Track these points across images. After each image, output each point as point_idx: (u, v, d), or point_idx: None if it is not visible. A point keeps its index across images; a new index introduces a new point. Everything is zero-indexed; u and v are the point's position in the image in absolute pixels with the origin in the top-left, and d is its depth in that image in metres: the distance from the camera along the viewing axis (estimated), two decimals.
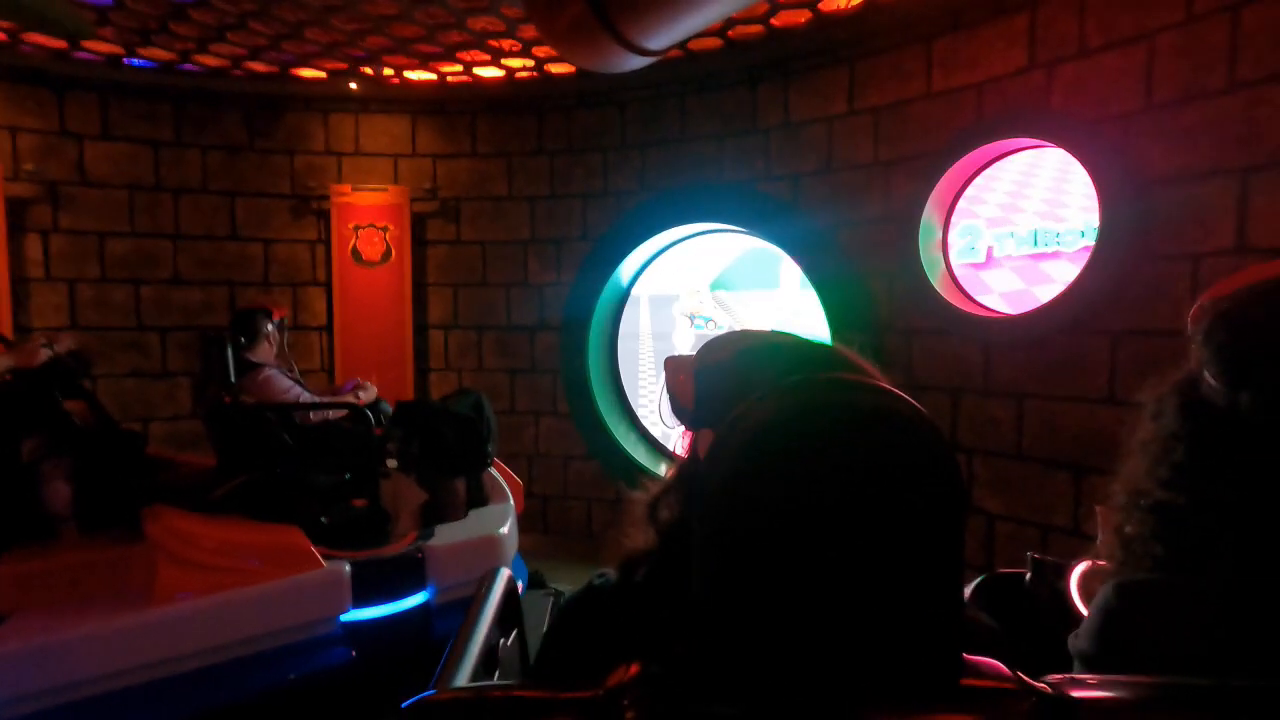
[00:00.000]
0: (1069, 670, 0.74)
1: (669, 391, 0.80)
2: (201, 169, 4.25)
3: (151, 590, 2.22)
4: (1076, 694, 0.52)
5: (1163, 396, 0.71)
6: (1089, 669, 0.73)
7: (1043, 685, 0.52)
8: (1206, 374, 0.68)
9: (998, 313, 3.08)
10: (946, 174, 3.14)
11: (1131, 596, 0.72)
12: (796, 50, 3.60)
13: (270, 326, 3.06)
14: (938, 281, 3.20)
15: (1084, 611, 0.95)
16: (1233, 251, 2.32)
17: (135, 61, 3.92)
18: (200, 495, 2.60)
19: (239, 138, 4.30)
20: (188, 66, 4.00)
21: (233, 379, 2.77)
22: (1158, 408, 0.71)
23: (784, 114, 3.73)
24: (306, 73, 4.15)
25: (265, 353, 3.05)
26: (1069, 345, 2.75)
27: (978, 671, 0.51)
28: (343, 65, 4.04)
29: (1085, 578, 1.03)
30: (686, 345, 4.47)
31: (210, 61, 3.97)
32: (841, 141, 3.53)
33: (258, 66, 4.05)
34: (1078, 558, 1.07)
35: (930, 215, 3.22)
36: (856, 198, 3.48)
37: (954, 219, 3.27)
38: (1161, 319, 2.47)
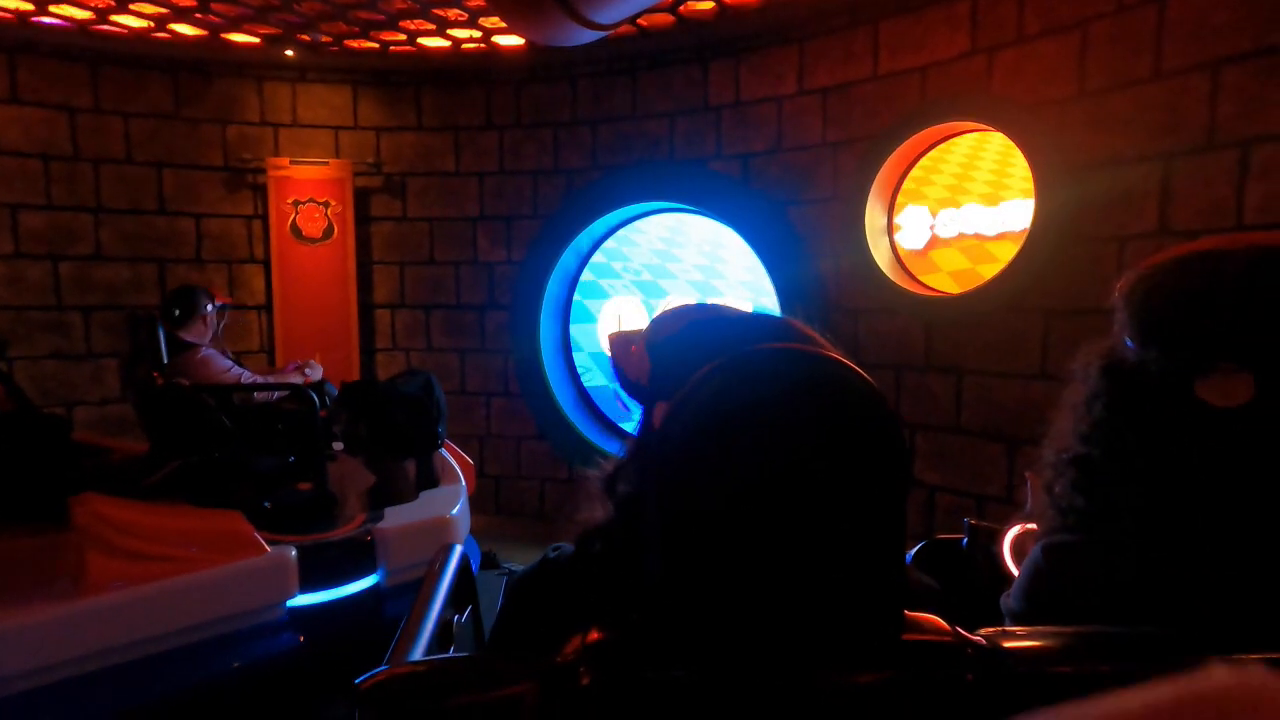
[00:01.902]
0: (1002, 627, 0.78)
1: (618, 366, 0.80)
2: (124, 138, 4.00)
3: (81, 581, 2.12)
4: (1007, 644, 0.55)
5: (1089, 361, 0.75)
6: (1018, 625, 0.77)
7: (978, 638, 0.55)
8: (1124, 335, 0.72)
9: (939, 292, 3.19)
10: (892, 155, 3.21)
11: (1056, 557, 0.76)
12: (747, 29, 3.60)
13: (210, 308, 2.93)
14: (883, 261, 3.29)
15: (1015, 572, 1.01)
16: (1156, 234, 2.45)
17: (47, 20, 3.64)
18: (132, 481, 2.49)
19: (165, 105, 4.06)
20: (106, 27, 3.74)
21: (165, 359, 2.65)
22: (1084, 372, 0.76)
23: (735, 93, 3.74)
24: (238, 38, 3.94)
25: (200, 333, 2.93)
26: (1005, 323, 2.87)
27: (919, 627, 0.54)
28: (277, 31, 3.85)
29: (1017, 541, 1.09)
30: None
31: (131, 22, 3.72)
32: (791, 122, 3.56)
33: (184, 29, 3.82)
34: (1010, 523, 1.13)
35: (876, 196, 3.30)
36: (806, 178, 3.53)
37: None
38: (1091, 298, 2.60)
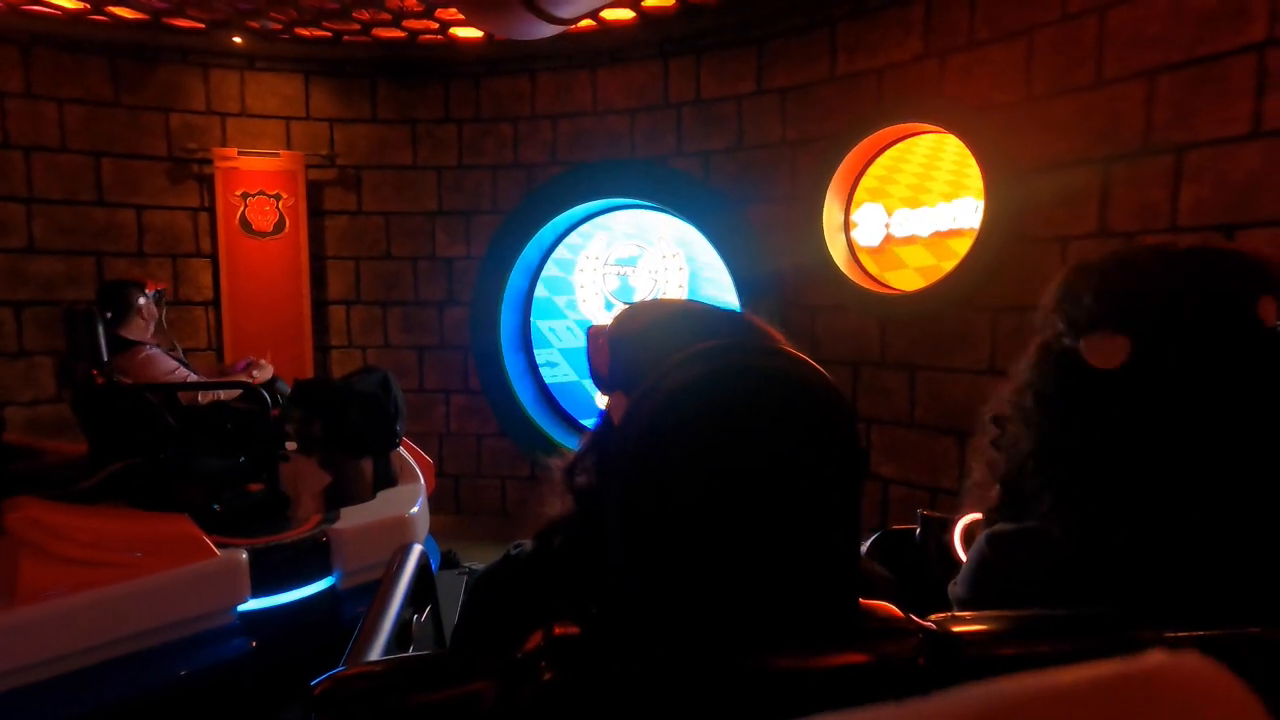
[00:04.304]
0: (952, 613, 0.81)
1: (590, 360, 0.80)
2: (59, 125, 3.81)
3: (14, 590, 2.02)
4: (957, 629, 0.57)
5: (1028, 350, 0.80)
6: (966, 611, 0.80)
7: (929, 623, 0.57)
8: (1056, 321, 0.77)
9: (894, 290, 3.27)
10: (848, 155, 3.27)
11: (1000, 546, 0.80)
12: (708, 27, 3.62)
13: (142, 300, 2.80)
14: (839, 259, 3.35)
15: (965, 561, 1.04)
16: (1096, 235, 2.55)
17: None
18: (70, 484, 2.38)
19: (103, 91, 3.88)
20: (38, 8, 3.56)
21: (105, 357, 2.53)
22: (1024, 362, 0.80)
23: (695, 91, 3.76)
24: (182, 22, 3.79)
25: (141, 329, 2.81)
26: (955, 320, 2.96)
27: (873, 614, 0.56)
28: (223, 16, 3.71)
29: (966, 531, 1.13)
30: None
31: (66, 2, 3.55)
32: (751, 120, 3.60)
33: (124, 12, 3.66)
34: (960, 513, 1.17)
35: (834, 194, 3.35)
36: (765, 176, 3.57)
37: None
38: (1035, 296, 2.69)
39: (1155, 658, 0.27)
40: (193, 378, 2.86)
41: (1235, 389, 0.65)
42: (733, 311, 0.77)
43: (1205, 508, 0.67)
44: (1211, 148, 2.28)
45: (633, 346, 0.74)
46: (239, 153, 4.04)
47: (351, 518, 2.74)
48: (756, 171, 3.60)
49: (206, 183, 4.08)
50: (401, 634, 0.81)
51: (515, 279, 4.29)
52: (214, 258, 4.12)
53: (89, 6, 3.58)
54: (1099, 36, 2.51)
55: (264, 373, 3.07)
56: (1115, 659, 0.28)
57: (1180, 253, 0.72)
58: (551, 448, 4.11)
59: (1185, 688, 0.26)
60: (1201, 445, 0.66)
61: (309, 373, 4.12)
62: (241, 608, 2.40)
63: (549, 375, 4.53)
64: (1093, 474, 0.72)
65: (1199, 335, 0.66)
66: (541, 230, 4.22)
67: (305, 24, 3.81)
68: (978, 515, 1.10)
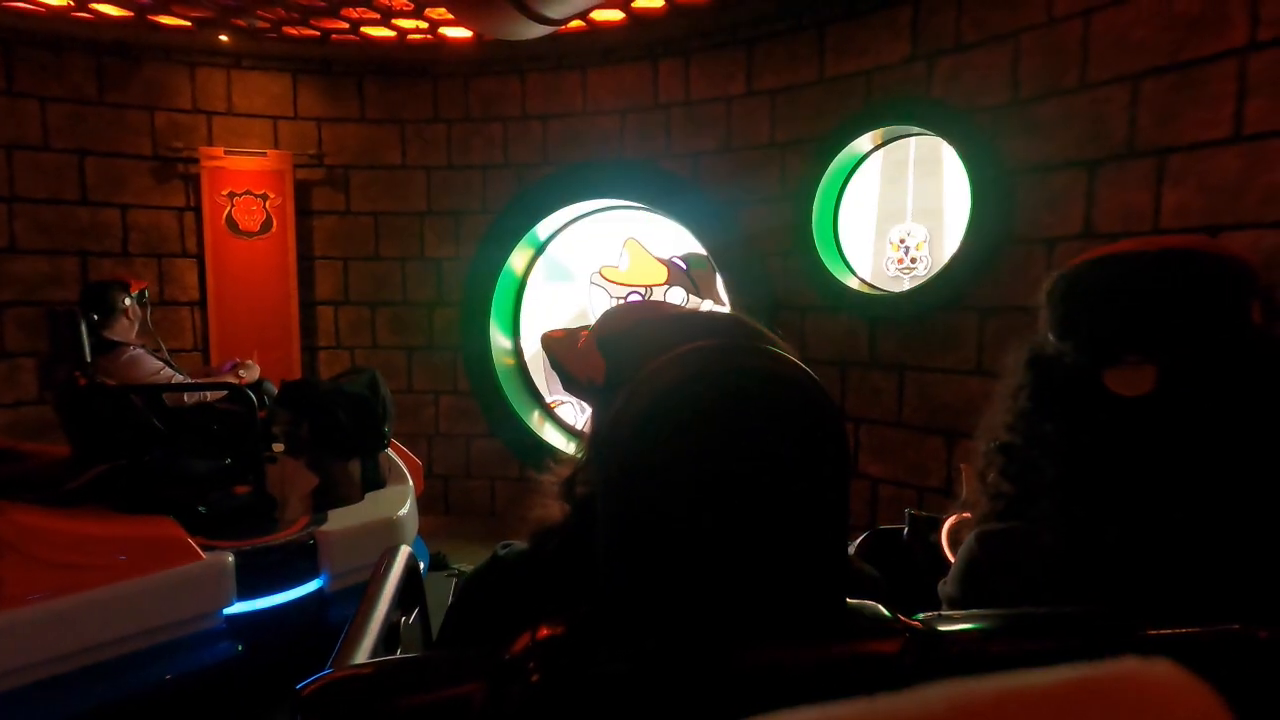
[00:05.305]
0: (939, 611, 0.82)
1: (559, 365, 0.80)
2: (41, 123, 3.76)
3: None
4: (943, 628, 0.58)
5: (1017, 356, 0.80)
6: (955, 609, 0.81)
7: (915, 622, 0.57)
8: (1046, 330, 0.77)
9: (882, 290, 3.29)
10: (838, 156, 3.28)
11: (989, 545, 0.80)
12: (697, 29, 3.63)
13: (128, 301, 2.77)
14: (829, 260, 3.36)
15: (952, 560, 1.05)
16: (1081, 236, 2.58)
17: None
18: (53, 487, 2.35)
19: (87, 89, 3.83)
20: (20, 4, 3.51)
21: (88, 358, 2.51)
22: (1013, 365, 0.80)
23: (685, 92, 3.76)
24: (167, 20, 3.75)
25: (126, 330, 2.78)
26: (943, 321, 2.98)
27: (860, 613, 0.56)
28: (209, 15, 3.68)
29: (954, 530, 1.14)
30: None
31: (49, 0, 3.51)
32: (740, 121, 3.61)
33: (108, 10, 3.62)
34: (948, 513, 1.18)
35: (823, 196, 3.37)
36: (754, 177, 3.58)
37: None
38: (1022, 297, 2.71)
39: (1127, 663, 0.28)
40: (178, 378, 2.83)
41: (1243, 398, 0.66)
42: (723, 312, 0.78)
43: (1196, 509, 0.68)
44: (1194, 151, 2.31)
45: (627, 348, 0.74)
46: (225, 152, 4.01)
47: (339, 520, 2.72)
48: (746, 172, 3.61)
49: (192, 182, 4.05)
50: (389, 636, 0.80)
51: (505, 279, 4.28)
52: (200, 258, 4.09)
53: (73, 4, 3.54)
54: (1084, 40, 2.53)
55: (251, 374, 3.05)
56: (1088, 663, 0.28)
57: (1171, 261, 0.71)
58: (541, 448, 4.10)
59: (1153, 693, 0.27)
60: (1204, 453, 0.67)
61: (296, 374, 4.09)
62: (228, 610, 2.38)
63: None
64: (1083, 476, 0.72)
65: (1221, 357, 0.67)
66: (532, 231, 4.22)
67: (293, 23, 3.79)
68: (965, 515, 1.11)
